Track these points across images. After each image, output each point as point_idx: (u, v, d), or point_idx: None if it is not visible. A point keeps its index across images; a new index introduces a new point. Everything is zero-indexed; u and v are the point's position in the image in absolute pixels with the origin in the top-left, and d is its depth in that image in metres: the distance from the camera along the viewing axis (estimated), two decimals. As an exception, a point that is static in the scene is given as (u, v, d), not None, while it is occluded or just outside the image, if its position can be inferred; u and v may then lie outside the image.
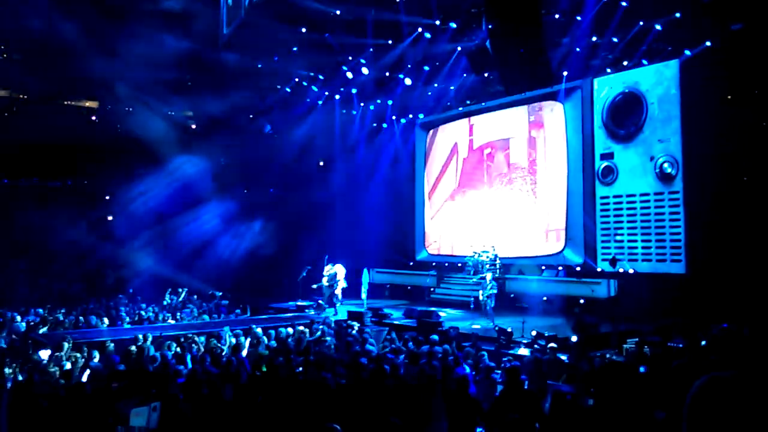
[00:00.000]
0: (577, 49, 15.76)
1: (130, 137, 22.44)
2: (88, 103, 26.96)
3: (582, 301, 15.24)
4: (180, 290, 18.23)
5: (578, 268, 16.39)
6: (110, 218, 23.36)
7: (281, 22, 16.55)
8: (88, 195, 23.73)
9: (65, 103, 26.19)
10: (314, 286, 17.70)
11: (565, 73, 16.49)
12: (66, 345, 10.00)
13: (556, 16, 14.74)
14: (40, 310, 15.20)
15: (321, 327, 12.59)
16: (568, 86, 16.83)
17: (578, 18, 14.71)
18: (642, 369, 7.19)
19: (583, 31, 14.95)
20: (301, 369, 8.32)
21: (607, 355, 9.75)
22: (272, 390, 7.26)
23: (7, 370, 8.56)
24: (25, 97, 24.17)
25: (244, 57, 18.96)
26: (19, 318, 13.90)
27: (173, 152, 22.65)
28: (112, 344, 10.24)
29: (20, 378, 8.27)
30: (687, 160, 14.36)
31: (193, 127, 28.36)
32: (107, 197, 24.07)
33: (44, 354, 9.54)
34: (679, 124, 14.52)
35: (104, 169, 23.44)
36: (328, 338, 11.34)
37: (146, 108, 21.67)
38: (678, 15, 13.81)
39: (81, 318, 14.31)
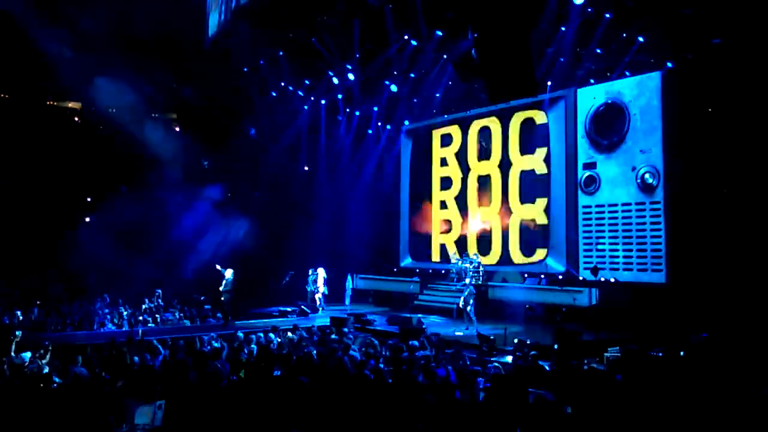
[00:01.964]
0: (561, 60, 15.92)
1: (112, 139, 22.25)
2: (71, 105, 26.71)
3: (564, 309, 15.33)
4: (157, 292, 18.09)
5: (560, 277, 16.51)
6: (87, 220, 23.06)
7: (267, 27, 16.54)
8: (69, 196, 23.43)
9: (47, 103, 25.92)
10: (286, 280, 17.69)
11: (549, 83, 16.64)
12: (46, 348, 9.86)
13: (541, 26, 14.86)
14: (19, 311, 14.99)
15: (299, 332, 12.55)
16: (551, 96, 17.00)
17: (563, 29, 14.87)
18: (618, 377, 7.25)
19: (567, 42, 15.11)
20: (280, 374, 8.27)
21: (589, 364, 9.82)
22: (251, 395, 7.22)
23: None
24: (7, 96, 23.88)
25: (229, 60, 18.90)
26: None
27: (156, 154, 22.46)
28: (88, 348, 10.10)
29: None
30: (668, 171, 14.57)
31: (177, 129, 28.19)
32: (88, 199, 23.79)
33: (26, 355, 9.41)
34: (660, 135, 14.73)
35: (85, 170, 23.19)
36: (308, 345, 11.31)
37: (129, 110, 21.47)
38: (660, 28, 14.01)
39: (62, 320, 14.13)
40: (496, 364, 9.70)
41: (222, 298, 15.62)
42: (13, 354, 9.54)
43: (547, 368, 9.64)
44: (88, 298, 18.67)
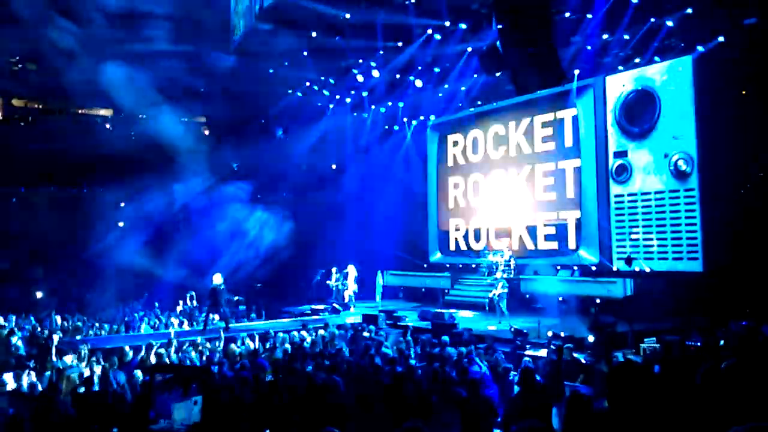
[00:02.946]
0: (588, 47, 15.68)
1: (143, 144, 22.70)
2: (102, 111, 27.33)
3: (598, 300, 15.11)
4: (191, 295, 18.37)
5: (593, 268, 16.28)
6: (121, 224, 23.54)
7: (291, 28, 16.65)
8: (104, 202, 23.95)
9: (79, 111, 26.56)
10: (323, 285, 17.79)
11: (576, 72, 16.41)
12: (84, 351, 10.12)
13: (567, 14, 14.68)
14: (58, 317, 15.40)
15: (331, 330, 12.63)
16: (579, 85, 16.74)
17: (589, 16, 14.64)
18: (656, 369, 7.13)
19: (594, 29, 14.87)
20: (314, 373, 8.34)
21: (625, 356, 9.67)
22: (285, 394, 7.31)
23: (27, 378, 8.64)
24: (41, 106, 24.53)
25: (255, 63, 19.10)
26: (38, 325, 14.12)
27: (187, 158, 22.86)
28: (131, 351, 10.32)
29: (40, 385, 8.35)
30: (702, 157, 14.22)
31: (206, 132, 28.64)
32: (122, 204, 24.29)
33: (67, 359, 9.67)
34: (693, 120, 14.38)
35: (119, 176, 23.69)
36: (340, 342, 11.39)
37: (159, 114, 21.88)
38: (690, 11, 13.70)
39: (99, 324, 14.47)
40: (530, 357, 9.64)
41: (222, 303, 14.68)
42: (54, 358, 9.80)
43: (582, 361, 9.55)
44: (124, 301, 19.10)
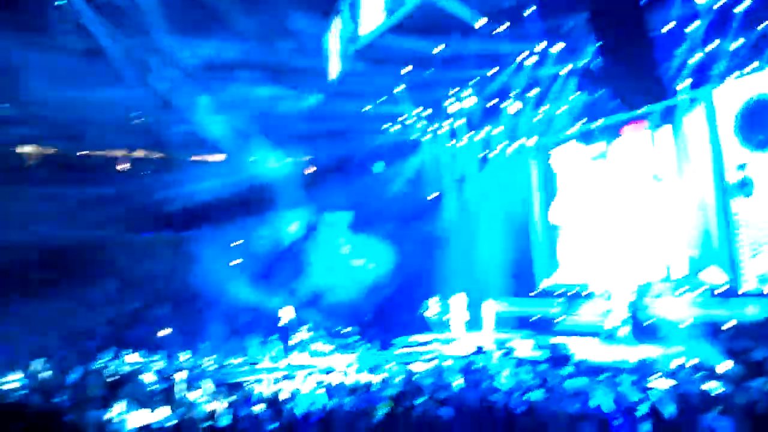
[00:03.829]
0: (694, 59, 14.84)
1: (253, 185, 23.98)
2: (214, 157, 29.16)
3: (731, 324, 13.98)
4: (304, 323, 18.85)
5: (722, 289, 15.08)
6: (238, 262, 24.69)
7: (385, 65, 17.07)
8: (218, 242, 25.32)
9: (193, 159, 28.46)
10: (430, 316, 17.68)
11: (681, 85, 15.54)
12: (209, 386, 10.66)
13: (669, 26, 14.02)
14: (183, 353, 16.33)
15: (442, 362, 12.47)
16: (687, 98, 15.83)
17: (693, 26, 13.90)
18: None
19: (699, 40, 14.08)
20: (427, 406, 8.26)
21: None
22: (401, 428, 7.30)
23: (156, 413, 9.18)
24: (159, 156, 26.52)
25: (351, 101, 19.72)
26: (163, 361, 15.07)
27: (292, 197, 23.90)
28: (253, 384, 10.75)
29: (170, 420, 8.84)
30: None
31: (310, 171, 29.78)
32: (235, 243, 25.55)
33: (194, 395, 10.20)
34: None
35: (231, 216, 25.05)
36: (451, 374, 11.22)
37: (266, 157, 23.06)
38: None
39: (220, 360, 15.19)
40: (657, 388, 9.04)
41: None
42: (180, 394, 10.35)
43: (717, 391, 8.82)
44: (241, 335, 19.93)
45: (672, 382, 9.76)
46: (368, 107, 20.30)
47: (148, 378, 12.44)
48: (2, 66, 19.23)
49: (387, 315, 21.77)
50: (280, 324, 19.30)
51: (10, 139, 25.24)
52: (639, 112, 16.37)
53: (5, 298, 19.89)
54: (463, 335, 17.44)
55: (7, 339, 17.36)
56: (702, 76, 15.34)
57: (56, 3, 17.46)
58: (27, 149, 26.48)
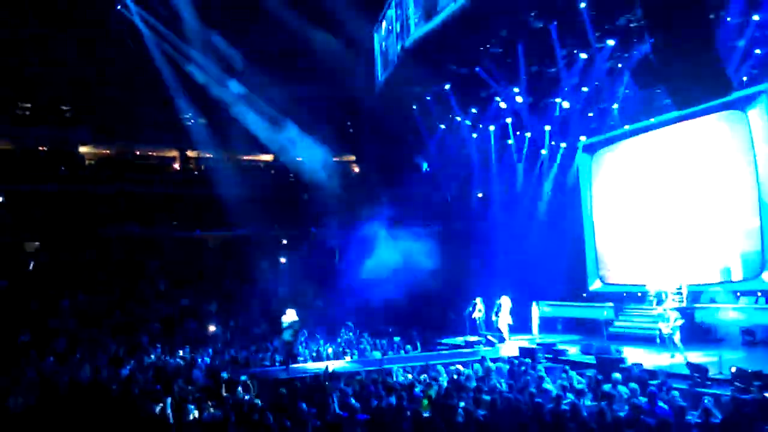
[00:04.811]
0: (757, 51, 14.19)
1: (300, 184, 24.26)
2: (263, 157, 29.66)
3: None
4: (349, 325, 18.96)
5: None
6: (283, 261, 25.04)
7: (432, 63, 16.95)
8: (267, 241, 25.71)
9: (243, 158, 29.02)
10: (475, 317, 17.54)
11: (744, 79, 14.88)
12: (254, 383, 10.83)
13: (728, 18, 13.42)
14: (230, 350, 16.69)
15: (488, 364, 12.28)
16: (749, 93, 15.15)
17: (755, 18, 13.28)
18: None
19: (762, 31, 13.44)
20: (472, 408, 8.15)
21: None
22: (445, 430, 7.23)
23: (205, 410, 9.36)
24: (211, 155, 27.11)
25: (399, 100, 19.67)
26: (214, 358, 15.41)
27: (338, 195, 24.10)
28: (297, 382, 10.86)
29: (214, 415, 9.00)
30: None
31: (356, 170, 29.93)
32: (284, 241, 25.95)
33: (241, 390, 10.38)
34: None
35: (279, 215, 25.43)
36: (497, 377, 11.06)
37: (314, 156, 23.28)
38: None
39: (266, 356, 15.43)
40: (711, 397, 8.68)
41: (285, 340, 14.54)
42: (226, 391, 10.51)
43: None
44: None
45: (726, 389, 9.39)
46: (415, 106, 20.21)
47: (197, 373, 12.73)
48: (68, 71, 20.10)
49: (431, 315, 21.66)
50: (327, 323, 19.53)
51: (70, 140, 26.37)
52: (695, 109, 15.75)
53: (63, 292, 20.73)
54: (508, 337, 17.17)
55: (64, 333, 18.09)
56: (764, 69, 14.70)
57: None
58: (85, 149, 27.59)
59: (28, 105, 26.18)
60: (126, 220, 25.63)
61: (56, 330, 18.35)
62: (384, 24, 18.24)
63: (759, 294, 14.90)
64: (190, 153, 28.99)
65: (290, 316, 14.55)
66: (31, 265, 23.88)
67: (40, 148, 26.48)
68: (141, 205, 26.23)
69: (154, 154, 29.54)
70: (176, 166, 29.85)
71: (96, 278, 22.66)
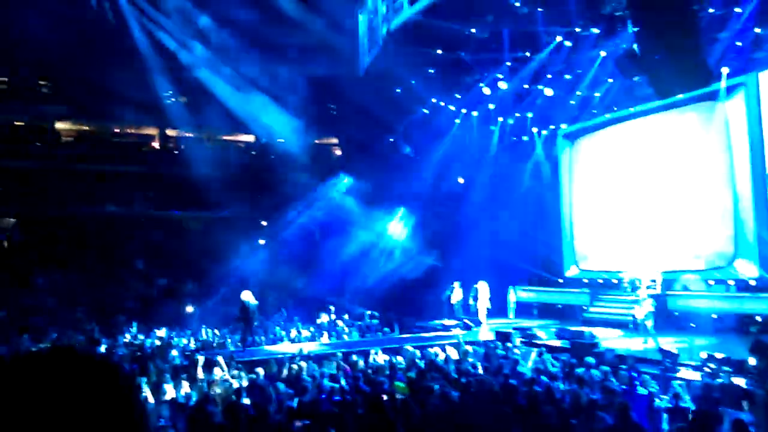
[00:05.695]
0: (738, 44, 14.35)
1: (281, 166, 24.06)
2: (243, 137, 29.34)
3: (759, 318, 13.64)
4: (329, 308, 19.01)
5: (753, 282, 14.72)
6: (262, 242, 24.90)
7: (417, 47, 16.87)
8: (247, 222, 25.55)
9: (224, 138, 28.69)
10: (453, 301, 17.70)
11: (725, 70, 15.05)
12: (231, 364, 10.80)
13: (711, 10, 13.55)
14: (207, 330, 16.60)
15: (464, 348, 12.41)
16: (729, 84, 15.34)
17: (737, 10, 13.42)
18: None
19: (744, 24, 13.59)
20: (447, 391, 8.23)
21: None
22: (419, 411, 7.30)
23: (180, 389, 9.33)
24: (191, 135, 26.76)
25: (382, 83, 19.56)
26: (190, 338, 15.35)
27: (320, 178, 24.00)
28: (275, 363, 10.86)
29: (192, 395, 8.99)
30: None
31: (338, 152, 29.77)
32: (263, 223, 25.77)
33: (217, 372, 10.34)
34: None
35: (260, 196, 25.24)
36: (473, 359, 11.17)
37: (295, 138, 23.09)
38: None
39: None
40: (681, 380, 8.88)
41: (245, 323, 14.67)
42: (201, 374, 10.45)
43: (744, 386, 8.62)
44: (266, 314, 20.13)
45: (696, 375, 9.60)
46: (398, 89, 20.14)
47: (174, 353, 12.68)
48: (38, 44, 19.63)
49: (409, 299, 21.76)
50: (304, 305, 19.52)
51: (46, 115, 25.82)
52: (677, 98, 15.91)
53: (39, 270, 20.44)
54: (485, 321, 17.36)
55: (39, 311, 17.87)
56: (747, 60, 14.87)
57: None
58: (62, 125, 27.03)
59: (5, 79, 25.56)
60: (103, 198, 25.25)
61: (31, 307, 18.12)
62: (368, 5, 18.07)
63: (731, 282, 15.23)
64: (169, 132, 28.55)
65: (246, 296, 14.49)
66: (6, 242, 23.49)
67: (16, 123, 25.91)
68: (118, 184, 25.83)
69: (133, 131, 29.05)
70: (155, 144, 29.39)
71: (72, 256, 22.34)
